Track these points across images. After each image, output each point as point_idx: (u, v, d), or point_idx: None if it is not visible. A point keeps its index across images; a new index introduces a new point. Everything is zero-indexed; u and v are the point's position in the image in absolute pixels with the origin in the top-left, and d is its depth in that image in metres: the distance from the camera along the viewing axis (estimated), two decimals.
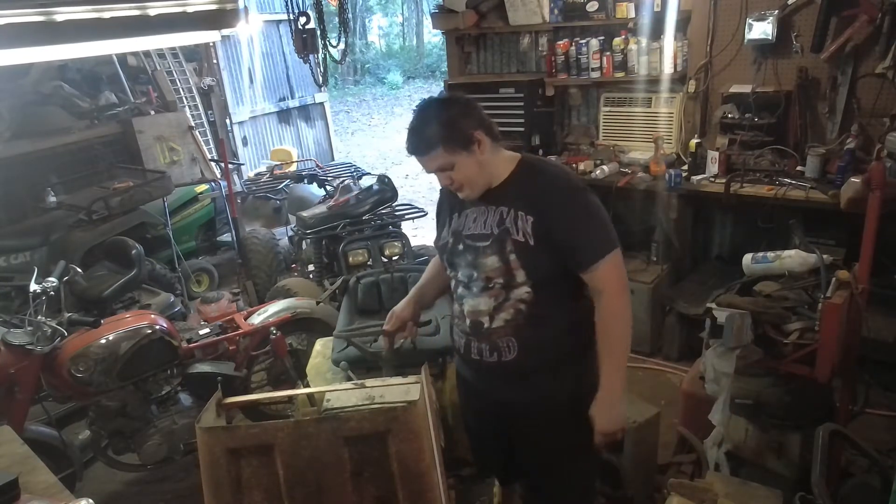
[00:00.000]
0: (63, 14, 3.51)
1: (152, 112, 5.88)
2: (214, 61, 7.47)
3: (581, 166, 4.09)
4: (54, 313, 2.72)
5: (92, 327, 2.72)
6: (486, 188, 1.78)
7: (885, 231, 2.50)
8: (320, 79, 4.82)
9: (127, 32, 4.01)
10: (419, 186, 8.72)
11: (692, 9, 3.85)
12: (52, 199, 4.54)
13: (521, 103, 4.29)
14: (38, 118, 5.31)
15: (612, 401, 1.74)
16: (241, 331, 3.20)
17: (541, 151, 4.31)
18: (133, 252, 3.77)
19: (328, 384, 2.30)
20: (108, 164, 5.35)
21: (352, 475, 1.66)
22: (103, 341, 2.75)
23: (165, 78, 6.33)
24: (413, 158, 1.79)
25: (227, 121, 7.70)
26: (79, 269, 3.18)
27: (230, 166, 5.29)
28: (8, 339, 2.53)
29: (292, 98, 9.05)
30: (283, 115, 8.99)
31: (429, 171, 1.79)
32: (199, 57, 7.31)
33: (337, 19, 4.40)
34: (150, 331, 2.86)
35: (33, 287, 2.66)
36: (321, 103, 9.60)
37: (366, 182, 5.13)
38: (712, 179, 3.67)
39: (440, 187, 1.94)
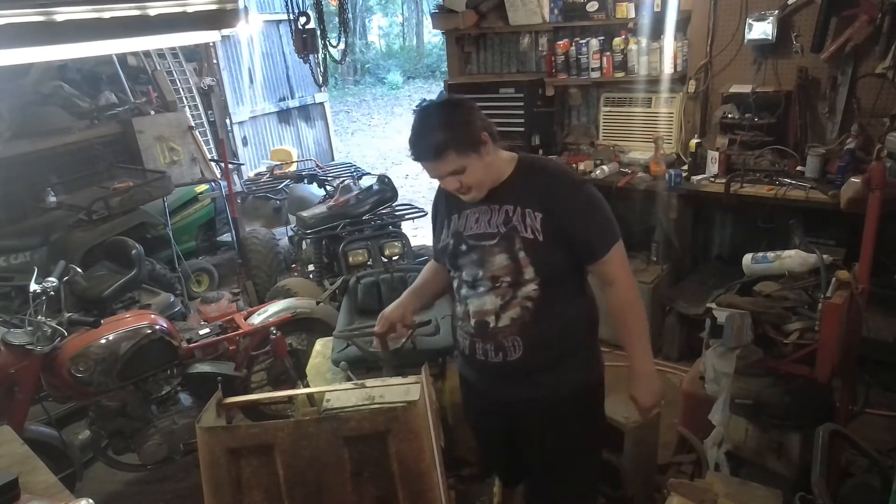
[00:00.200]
0: (63, 14, 3.50)
1: (152, 112, 5.88)
2: (214, 61, 7.47)
3: (581, 166, 4.09)
4: (54, 313, 2.72)
5: (92, 327, 2.72)
6: (489, 188, 1.79)
7: (885, 231, 2.50)
8: (320, 79, 4.83)
9: (127, 32, 4.01)
10: (419, 186, 8.73)
11: (692, 9, 3.84)
12: (52, 199, 4.54)
13: (521, 103, 4.29)
14: (38, 118, 5.31)
15: (648, 378, 1.87)
16: (241, 331, 3.20)
17: (541, 151, 4.31)
18: (133, 252, 3.77)
19: (328, 384, 2.30)
20: (108, 164, 5.35)
21: (352, 475, 1.66)
22: (103, 341, 2.75)
23: (165, 78, 6.33)
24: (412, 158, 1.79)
25: (227, 121, 7.70)
26: (79, 269, 3.19)
27: (230, 166, 5.29)
28: (8, 339, 2.53)
29: (292, 98, 9.05)
30: (283, 115, 9.00)
31: (436, 177, 1.78)
32: (199, 57, 7.31)
33: (337, 19, 4.41)
34: (150, 331, 2.86)
35: (33, 287, 2.66)
36: (321, 103, 9.60)
37: (366, 182, 5.13)
38: (712, 179, 3.67)
39: (436, 189, 1.94)
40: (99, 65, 6.12)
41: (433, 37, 20.59)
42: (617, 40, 4.03)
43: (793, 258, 2.40)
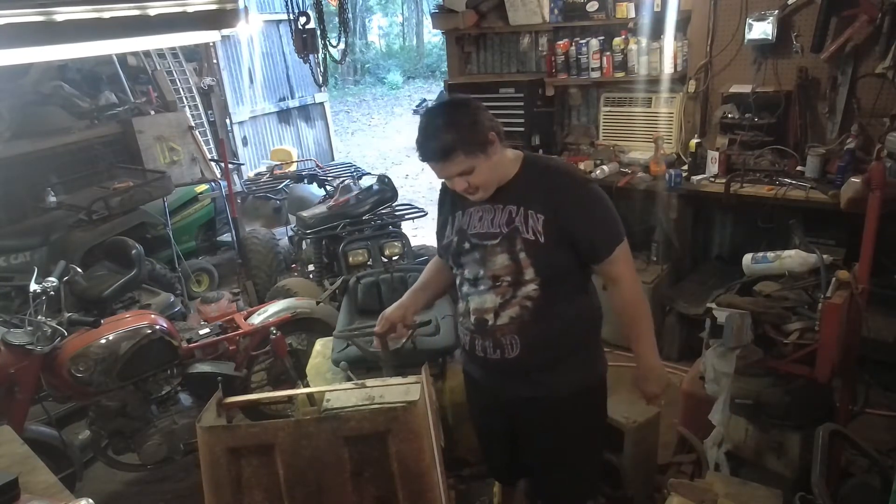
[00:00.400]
0: (63, 14, 3.50)
1: (152, 112, 5.88)
2: (214, 61, 7.47)
3: (581, 166, 4.08)
4: (54, 313, 2.72)
5: (92, 327, 2.72)
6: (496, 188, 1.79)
7: (885, 231, 2.49)
8: (320, 79, 4.82)
9: (127, 32, 4.00)
10: (419, 186, 8.73)
11: (692, 9, 3.84)
12: (52, 199, 4.53)
13: (521, 103, 4.29)
14: (38, 118, 5.31)
15: (654, 370, 1.91)
16: (241, 331, 3.20)
17: (541, 151, 4.31)
18: (133, 252, 3.77)
19: (328, 384, 2.30)
20: (108, 164, 5.35)
21: (352, 475, 1.67)
22: (103, 341, 2.75)
23: (165, 78, 6.32)
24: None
25: (227, 121, 7.70)
26: (79, 269, 3.18)
27: (230, 166, 5.29)
28: (8, 339, 2.53)
29: (292, 98, 9.05)
30: (283, 115, 8.99)
31: (444, 177, 1.78)
32: (199, 57, 7.31)
33: (337, 19, 4.40)
34: (150, 331, 2.86)
35: (33, 287, 2.66)
36: (321, 103, 9.60)
37: (366, 182, 5.12)
38: (712, 179, 3.67)
39: (440, 187, 1.94)
40: (99, 65, 6.11)
41: (433, 37, 20.61)
42: (617, 40, 4.03)
43: (793, 258, 2.40)
